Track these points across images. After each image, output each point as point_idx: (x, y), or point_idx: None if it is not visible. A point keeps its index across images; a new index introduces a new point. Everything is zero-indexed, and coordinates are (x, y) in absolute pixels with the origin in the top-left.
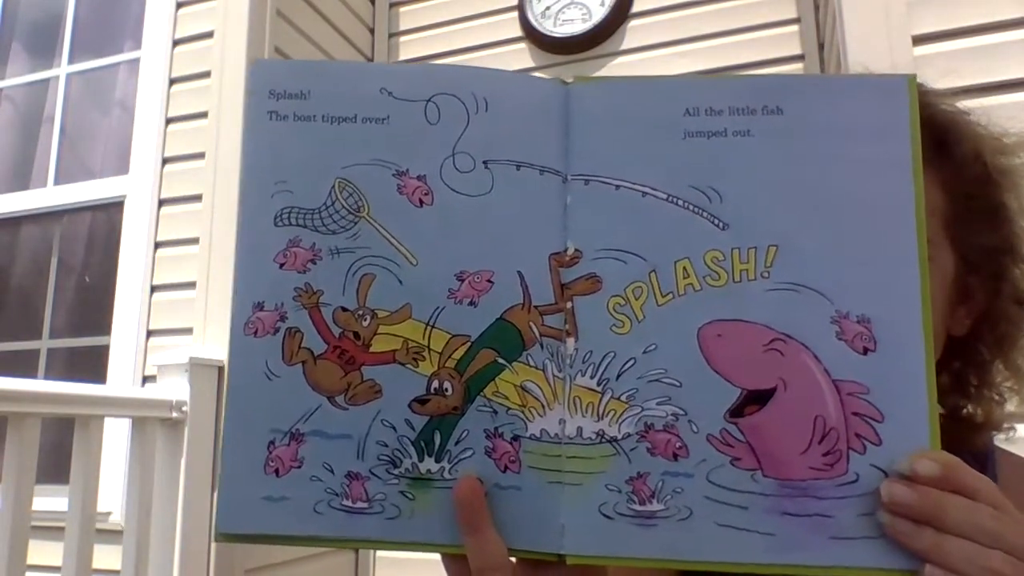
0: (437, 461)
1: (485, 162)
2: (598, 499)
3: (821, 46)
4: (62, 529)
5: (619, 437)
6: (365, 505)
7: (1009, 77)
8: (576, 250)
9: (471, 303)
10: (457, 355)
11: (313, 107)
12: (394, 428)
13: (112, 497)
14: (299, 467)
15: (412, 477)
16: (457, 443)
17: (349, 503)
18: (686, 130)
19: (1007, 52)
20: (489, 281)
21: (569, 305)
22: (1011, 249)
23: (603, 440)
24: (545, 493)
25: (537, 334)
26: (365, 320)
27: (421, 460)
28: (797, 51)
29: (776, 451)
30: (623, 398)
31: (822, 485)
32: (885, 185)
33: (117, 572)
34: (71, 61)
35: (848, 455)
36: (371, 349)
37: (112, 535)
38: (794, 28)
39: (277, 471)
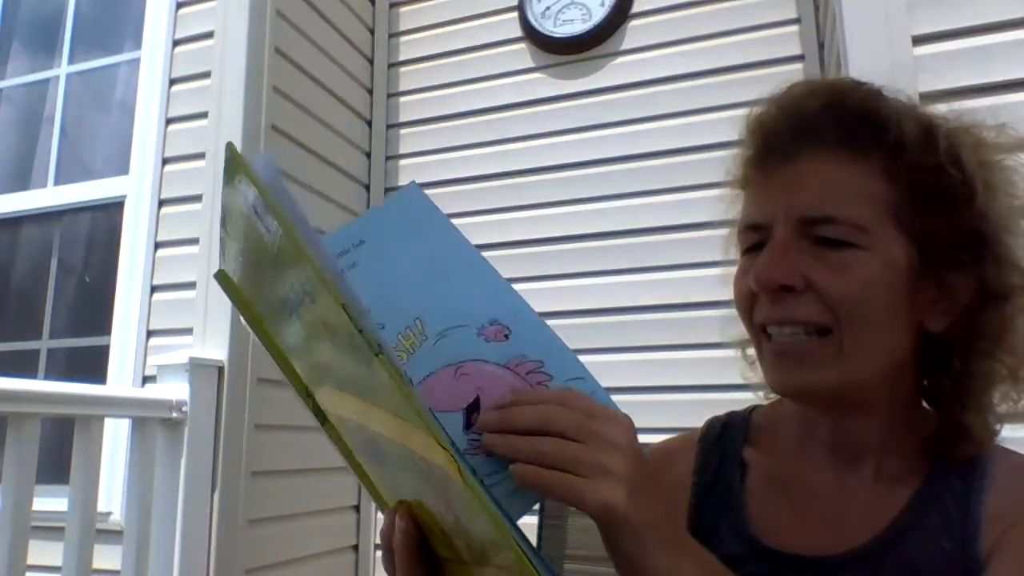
0: None
1: None
2: None
3: (821, 46)
4: (62, 529)
5: None
6: None
7: (1009, 77)
8: None
9: None
10: None
11: None
12: None
13: (112, 497)
14: None
15: None
16: None
17: None
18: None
19: (1007, 52)
20: None
21: None
22: (979, 242)
23: None
24: None
25: None
26: None
27: None
28: (797, 51)
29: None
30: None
31: None
32: (448, 250)
33: (117, 572)
34: (71, 61)
35: None
36: None
37: (112, 535)
38: (794, 28)
39: None
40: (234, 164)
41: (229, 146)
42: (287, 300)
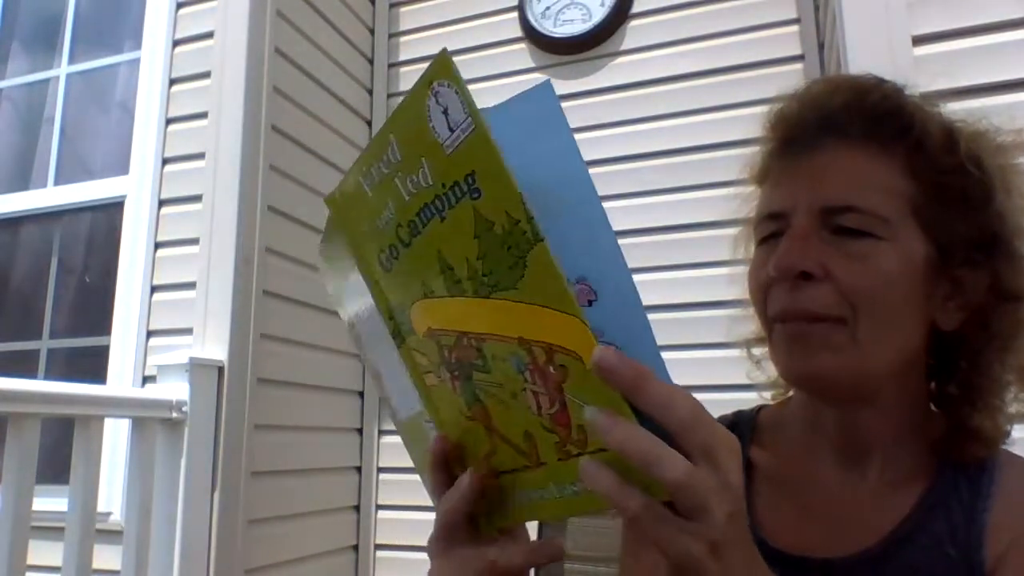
0: None
1: None
2: None
3: (821, 46)
4: (62, 529)
5: None
6: None
7: (1009, 77)
8: None
9: None
10: None
11: None
12: None
13: (112, 497)
14: None
15: None
16: None
17: None
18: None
19: (1007, 52)
20: None
21: None
22: (995, 242)
23: None
24: None
25: None
26: None
27: None
28: (797, 51)
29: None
30: None
31: None
32: (563, 171)
33: (117, 572)
34: (71, 61)
35: None
36: None
37: (112, 535)
38: (794, 28)
39: None
40: (438, 66)
41: (442, 51)
42: (430, 208)
